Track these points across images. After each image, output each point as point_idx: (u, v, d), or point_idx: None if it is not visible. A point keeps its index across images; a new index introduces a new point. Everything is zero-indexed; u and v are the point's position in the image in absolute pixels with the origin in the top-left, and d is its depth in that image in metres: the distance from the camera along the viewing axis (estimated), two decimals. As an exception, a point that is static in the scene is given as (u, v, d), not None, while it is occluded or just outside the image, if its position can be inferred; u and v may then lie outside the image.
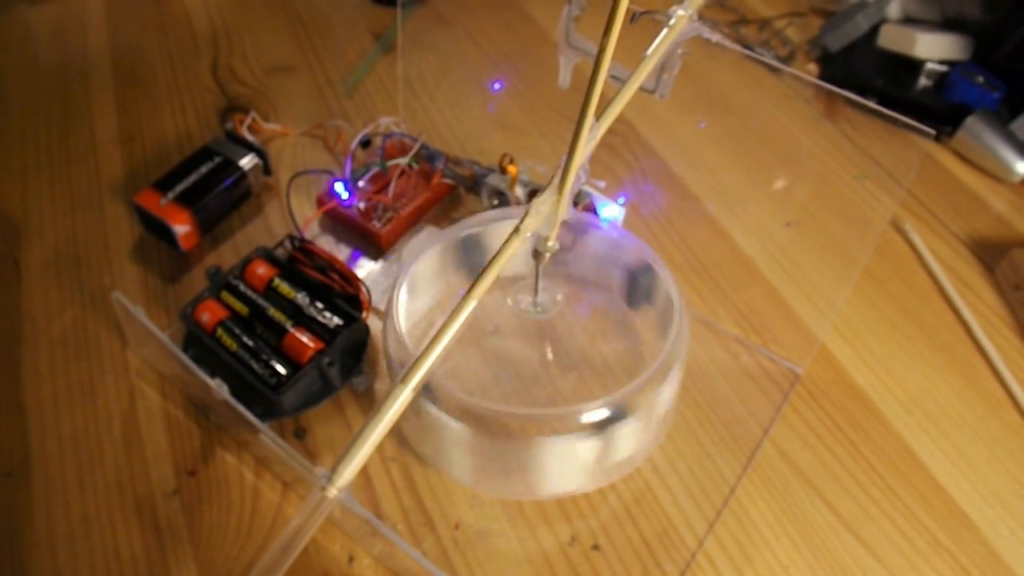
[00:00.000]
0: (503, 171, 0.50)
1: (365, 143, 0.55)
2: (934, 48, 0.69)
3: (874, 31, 0.72)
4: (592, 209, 0.49)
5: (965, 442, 0.47)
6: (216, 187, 0.54)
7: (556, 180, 0.37)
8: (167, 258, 0.54)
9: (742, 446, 0.45)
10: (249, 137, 0.57)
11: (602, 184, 0.50)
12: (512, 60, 0.67)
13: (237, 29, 0.74)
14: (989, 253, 0.58)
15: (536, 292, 0.43)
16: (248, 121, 0.58)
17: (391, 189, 0.53)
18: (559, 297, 0.44)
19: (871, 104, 0.44)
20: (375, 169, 0.53)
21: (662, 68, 0.42)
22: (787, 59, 0.74)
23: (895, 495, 0.44)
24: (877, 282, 0.54)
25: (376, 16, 0.75)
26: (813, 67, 0.74)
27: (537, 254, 0.39)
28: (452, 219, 0.55)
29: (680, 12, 0.41)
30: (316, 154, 0.60)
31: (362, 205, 0.52)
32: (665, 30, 0.40)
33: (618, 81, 0.42)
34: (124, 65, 0.70)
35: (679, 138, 0.65)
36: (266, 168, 0.56)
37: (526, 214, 0.37)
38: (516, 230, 0.37)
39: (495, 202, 0.51)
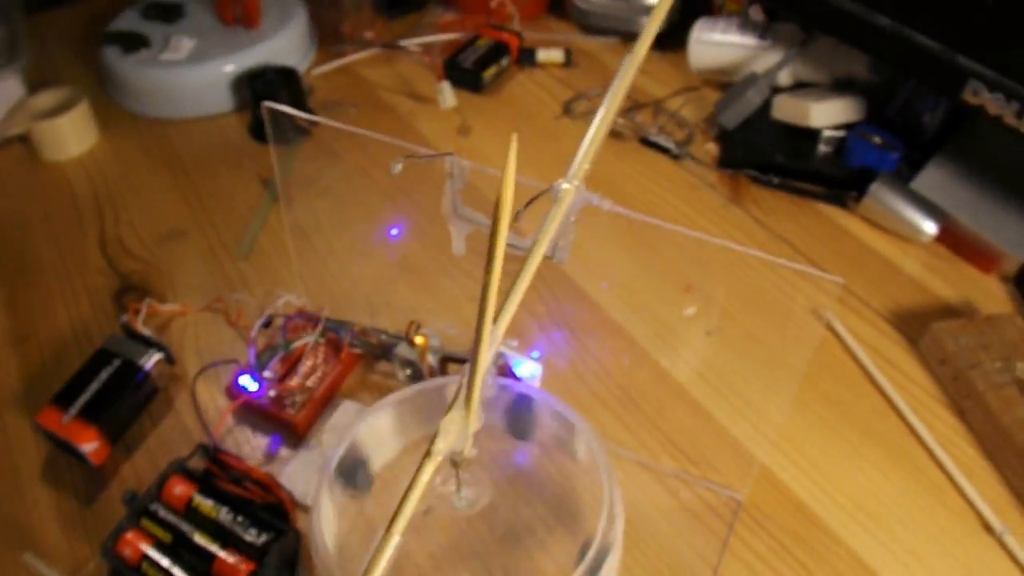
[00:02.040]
0: (411, 343, 0.48)
1: (267, 324, 0.53)
2: (828, 114, 0.70)
3: (768, 103, 0.72)
4: (508, 370, 0.48)
5: (912, 539, 0.48)
6: (120, 394, 0.52)
7: (461, 396, 0.35)
8: (80, 475, 0.51)
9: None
10: (145, 331, 0.54)
11: (514, 343, 0.49)
12: (409, 191, 0.66)
13: (121, 192, 0.72)
14: (911, 326, 0.59)
15: (459, 488, 0.41)
16: (144, 310, 0.56)
17: (299, 370, 0.51)
18: (484, 494, 0.43)
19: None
20: (280, 353, 0.51)
21: (558, 236, 0.41)
22: (686, 142, 0.74)
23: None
24: (807, 380, 0.54)
25: (263, 157, 0.73)
26: (713, 147, 0.74)
27: (455, 463, 0.38)
28: (369, 386, 0.53)
29: (565, 185, 0.40)
30: (219, 330, 0.58)
31: (272, 393, 0.50)
32: (554, 206, 0.39)
33: (517, 250, 0.41)
34: (8, 251, 0.66)
35: (589, 261, 0.64)
36: (169, 359, 0.54)
37: (436, 435, 0.35)
38: (428, 453, 0.35)
39: (408, 372, 0.50)
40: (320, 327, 0.52)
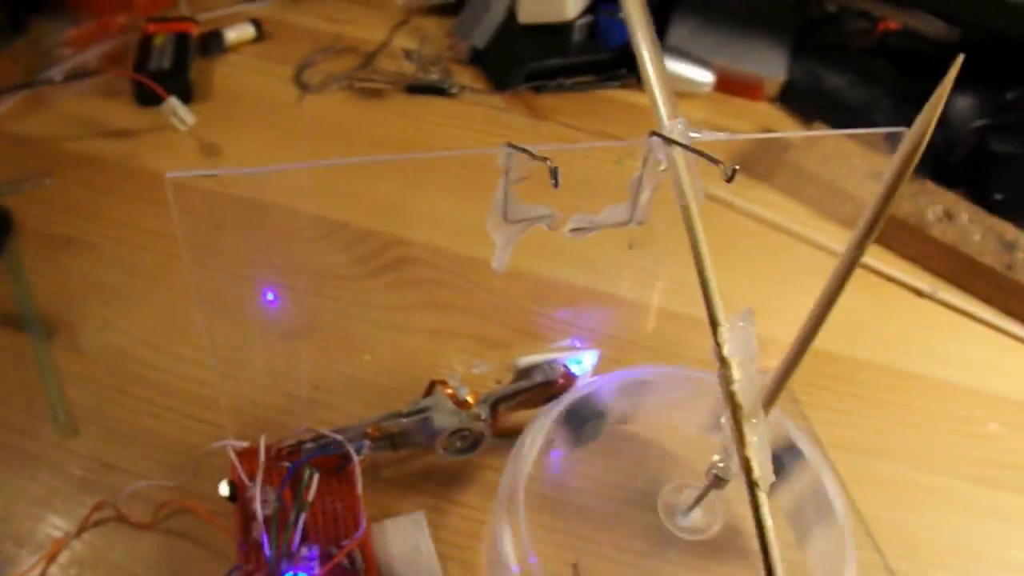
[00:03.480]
0: (460, 403, 0.36)
1: (231, 498, 0.35)
2: (579, 2, 0.67)
3: (512, 12, 0.68)
4: (571, 375, 0.39)
5: (879, 326, 0.54)
6: None
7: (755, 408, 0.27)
8: None
9: None
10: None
11: (570, 341, 0.40)
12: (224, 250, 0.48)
13: None
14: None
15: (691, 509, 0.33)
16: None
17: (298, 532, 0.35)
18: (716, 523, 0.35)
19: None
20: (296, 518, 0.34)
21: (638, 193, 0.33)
22: (448, 76, 0.66)
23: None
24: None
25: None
26: (473, 71, 0.68)
27: (719, 479, 0.30)
28: (385, 492, 0.39)
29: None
30: (138, 545, 0.37)
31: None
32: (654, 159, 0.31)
33: (582, 233, 0.33)
34: None
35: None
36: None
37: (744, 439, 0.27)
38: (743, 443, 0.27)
39: (459, 443, 0.38)
40: (305, 458, 0.36)
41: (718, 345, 0.30)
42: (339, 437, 0.35)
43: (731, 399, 0.29)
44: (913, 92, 0.67)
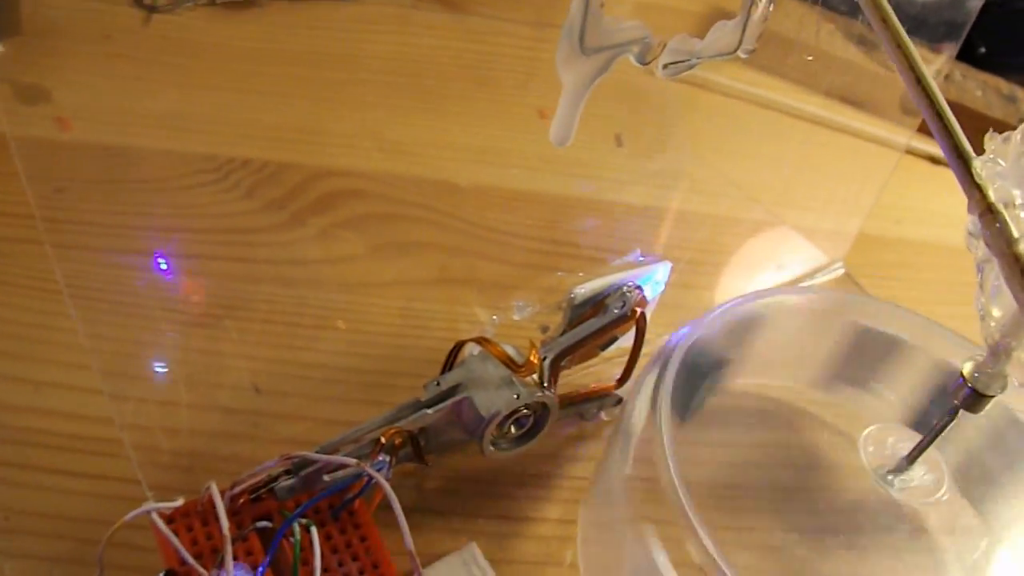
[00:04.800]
0: (513, 366, 0.23)
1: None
2: None
3: None
4: (645, 299, 0.27)
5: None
6: None
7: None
8: None
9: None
10: None
11: (636, 255, 0.27)
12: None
13: None
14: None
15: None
16: None
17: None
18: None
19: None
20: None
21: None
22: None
23: None
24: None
25: None
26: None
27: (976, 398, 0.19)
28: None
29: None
30: None
31: None
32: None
33: (678, 70, 0.22)
34: None
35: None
36: None
37: None
38: None
39: (513, 431, 0.25)
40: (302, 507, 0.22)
41: (976, 187, 0.18)
42: (348, 460, 0.21)
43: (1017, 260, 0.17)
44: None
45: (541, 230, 0.37)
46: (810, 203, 0.45)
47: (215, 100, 0.41)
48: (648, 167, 0.41)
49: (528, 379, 0.25)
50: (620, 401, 0.30)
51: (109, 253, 0.32)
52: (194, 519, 0.23)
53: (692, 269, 0.38)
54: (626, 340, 0.29)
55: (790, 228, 0.43)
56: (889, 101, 0.42)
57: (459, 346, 0.25)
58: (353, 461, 0.20)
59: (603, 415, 0.30)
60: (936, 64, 0.37)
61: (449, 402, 0.24)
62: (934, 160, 0.50)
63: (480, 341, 0.24)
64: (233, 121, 0.40)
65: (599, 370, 0.31)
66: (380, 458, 0.22)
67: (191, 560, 0.21)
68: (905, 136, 0.42)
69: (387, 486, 0.20)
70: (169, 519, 0.23)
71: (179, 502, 0.23)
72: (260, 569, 0.20)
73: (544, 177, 0.40)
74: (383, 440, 0.22)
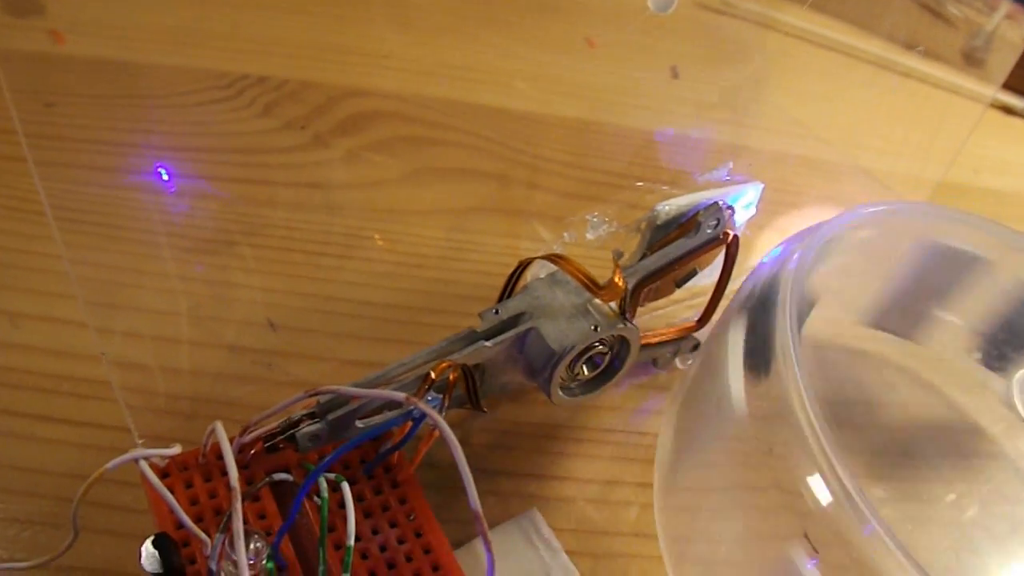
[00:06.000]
0: (593, 286, 0.18)
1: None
2: None
3: None
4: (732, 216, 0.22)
5: None
6: None
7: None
8: None
9: None
10: None
11: (723, 173, 0.22)
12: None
13: None
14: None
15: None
16: None
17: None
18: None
19: None
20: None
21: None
22: None
23: None
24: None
25: None
26: None
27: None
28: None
29: None
30: None
31: None
32: None
33: None
34: None
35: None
36: None
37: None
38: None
39: (586, 372, 0.20)
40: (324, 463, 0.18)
41: None
42: (397, 395, 0.16)
43: None
44: None
45: (600, 160, 0.32)
46: (884, 147, 0.41)
47: (228, 16, 0.36)
48: (706, 100, 0.36)
49: (606, 308, 0.20)
50: (698, 346, 0.25)
51: (102, 172, 0.28)
52: (194, 472, 0.19)
53: (762, 208, 0.33)
54: (700, 279, 0.24)
55: (864, 172, 0.38)
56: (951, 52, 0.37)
57: (523, 266, 0.20)
58: (401, 395, 0.16)
59: (678, 362, 0.26)
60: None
61: (511, 332, 0.19)
62: (1008, 110, 0.45)
63: (552, 258, 0.19)
64: (249, 37, 0.35)
65: (668, 313, 0.27)
66: (434, 397, 0.17)
67: (188, 522, 0.16)
68: (991, 89, 0.37)
69: (446, 428, 0.15)
70: (164, 472, 0.19)
71: (176, 449, 0.18)
72: (277, 538, 0.16)
73: (596, 107, 0.35)
74: (433, 376, 0.17)
